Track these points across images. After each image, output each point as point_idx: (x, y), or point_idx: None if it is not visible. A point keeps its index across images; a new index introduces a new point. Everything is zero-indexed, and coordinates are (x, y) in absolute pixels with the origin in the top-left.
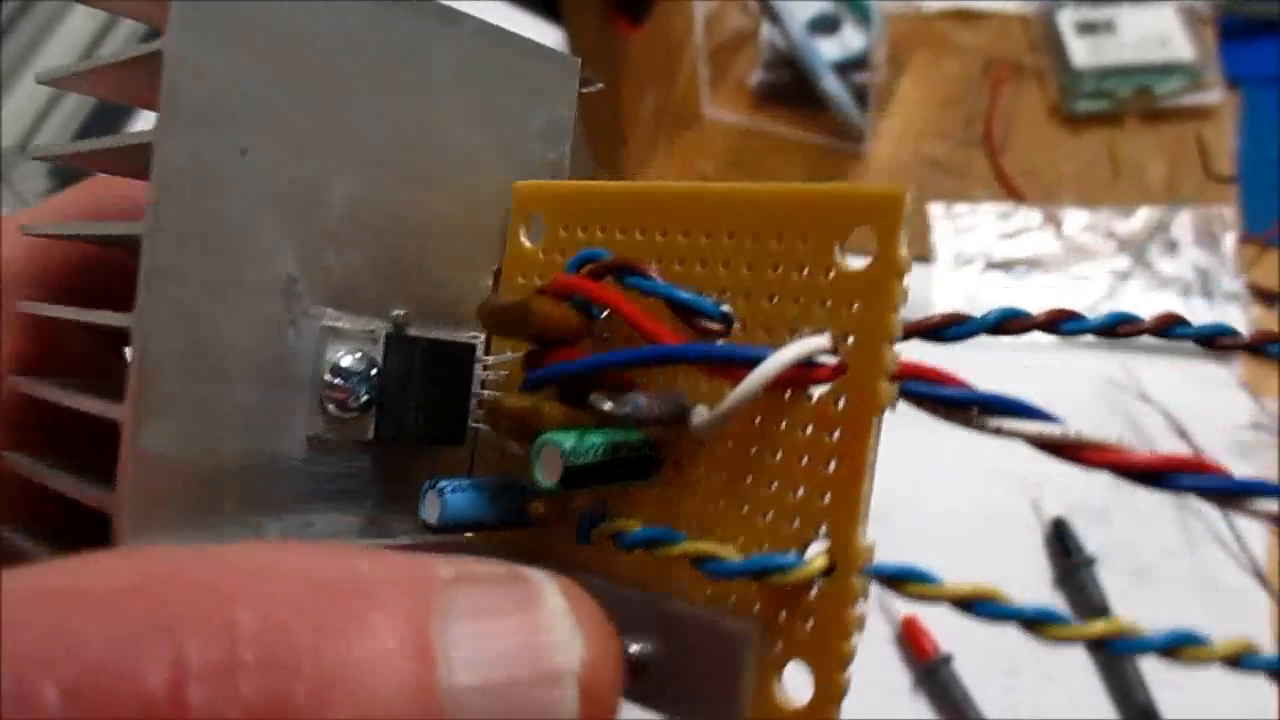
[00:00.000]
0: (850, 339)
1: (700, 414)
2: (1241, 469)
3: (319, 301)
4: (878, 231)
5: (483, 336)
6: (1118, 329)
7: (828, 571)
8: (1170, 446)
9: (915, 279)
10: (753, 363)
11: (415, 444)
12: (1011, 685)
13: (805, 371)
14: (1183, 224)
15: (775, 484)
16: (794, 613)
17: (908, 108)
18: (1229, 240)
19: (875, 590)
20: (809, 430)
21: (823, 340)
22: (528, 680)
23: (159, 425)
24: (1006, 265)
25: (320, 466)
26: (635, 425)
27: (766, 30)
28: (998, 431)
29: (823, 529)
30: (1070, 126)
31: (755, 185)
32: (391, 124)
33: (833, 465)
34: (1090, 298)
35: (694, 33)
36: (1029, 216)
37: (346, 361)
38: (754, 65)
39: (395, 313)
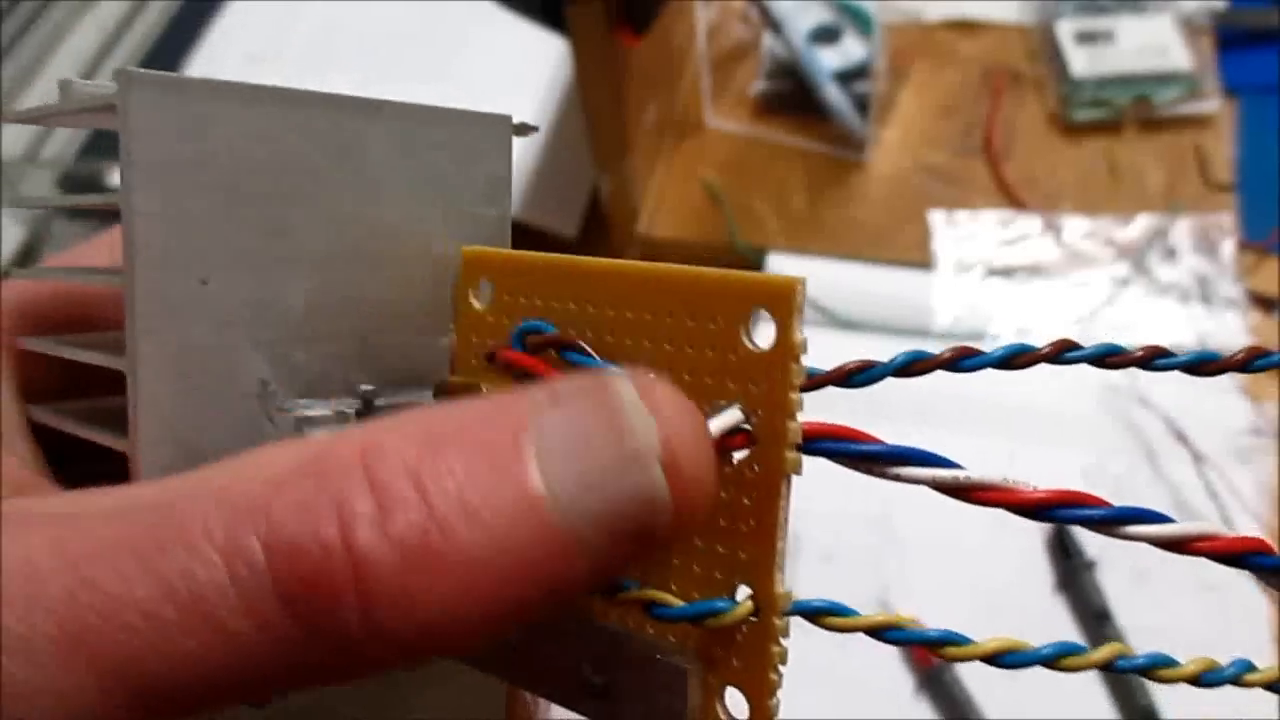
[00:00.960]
0: (758, 413)
1: None
2: (1241, 474)
3: (291, 395)
4: (775, 317)
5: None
6: (1013, 360)
7: (754, 614)
8: (1169, 451)
9: (917, 286)
10: None
11: None
12: (1013, 688)
13: (725, 440)
14: (1181, 231)
15: (701, 541)
16: (727, 649)
17: (908, 117)
18: (1228, 247)
19: (876, 593)
20: (730, 492)
21: (735, 415)
22: (616, 470)
23: None
24: (1007, 272)
25: None
26: None
27: (768, 40)
28: (897, 478)
29: (745, 580)
30: (1070, 135)
31: (670, 267)
32: (337, 220)
33: (751, 522)
34: (1090, 304)
35: (696, 43)
36: (1029, 224)
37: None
38: (756, 75)
39: (362, 388)
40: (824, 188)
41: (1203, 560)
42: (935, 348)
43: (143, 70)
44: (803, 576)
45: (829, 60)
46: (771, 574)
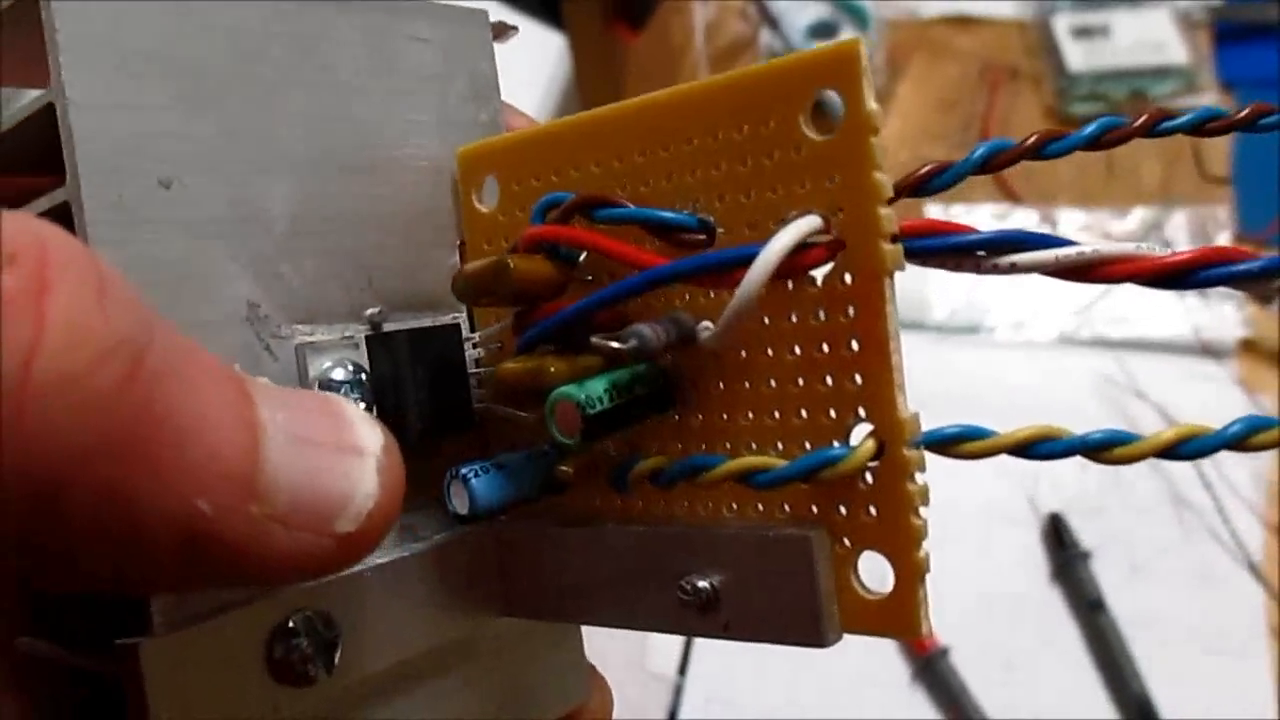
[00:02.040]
0: (840, 212)
1: (706, 329)
2: (1236, 466)
3: (288, 320)
4: (841, 91)
5: (465, 315)
6: (1103, 139)
7: (877, 454)
8: None
9: (911, 280)
10: (747, 261)
11: (424, 439)
12: (1009, 679)
13: (801, 257)
14: (1177, 224)
15: (801, 380)
16: (853, 505)
17: (906, 111)
18: (1223, 240)
19: (874, 584)
20: (821, 316)
21: (813, 220)
22: (335, 446)
23: None
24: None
25: None
26: (645, 358)
27: (766, 36)
28: (1013, 268)
29: (861, 411)
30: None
31: (704, 80)
32: (312, 121)
33: (855, 344)
34: (1085, 297)
35: (694, 38)
36: (1025, 218)
37: (336, 374)
38: None
39: (369, 312)
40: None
41: (1198, 550)
42: (931, 341)
43: None
44: None
45: None
46: (893, 396)
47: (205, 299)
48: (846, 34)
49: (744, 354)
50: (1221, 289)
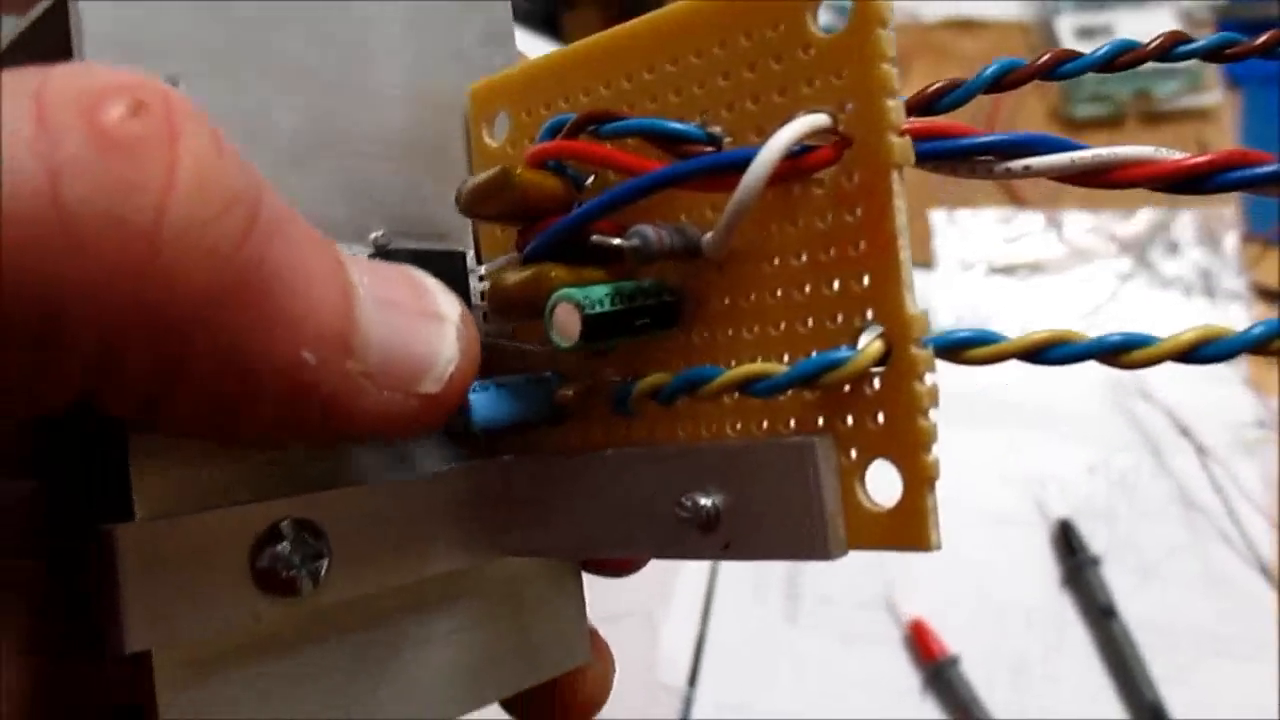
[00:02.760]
0: (848, 106)
1: (707, 236)
2: (1246, 468)
3: None
4: None
5: (472, 250)
6: (1117, 60)
7: (884, 358)
8: (1173, 445)
9: (919, 285)
10: (746, 162)
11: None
12: (1020, 685)
13: (806, 158)
14: (1184, 225)
15: (807, 286)
16: (860, 411)
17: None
18: (1231, 240)
19: (881, 590)
20: (828, 218)
21: (819, 117)
22: (419, 311)
23: None
24: (1009, 269)
25: None
26: (647, 259)
27: None
28: (1027, 171)
29: (869, 314)
30: (1071, 130)
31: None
32: (325, 39)
33: (862, 244)
34: (1093, 300)
35: None
36: (1031, 221)
37: None
38: None
39: (374, 235)
40: None
41: (1209, 554)
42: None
43: None
44: (807, 571)
45: None
46: (900, 293)
47: None
48: None
49: (749, 265)
50: (1228, 289)
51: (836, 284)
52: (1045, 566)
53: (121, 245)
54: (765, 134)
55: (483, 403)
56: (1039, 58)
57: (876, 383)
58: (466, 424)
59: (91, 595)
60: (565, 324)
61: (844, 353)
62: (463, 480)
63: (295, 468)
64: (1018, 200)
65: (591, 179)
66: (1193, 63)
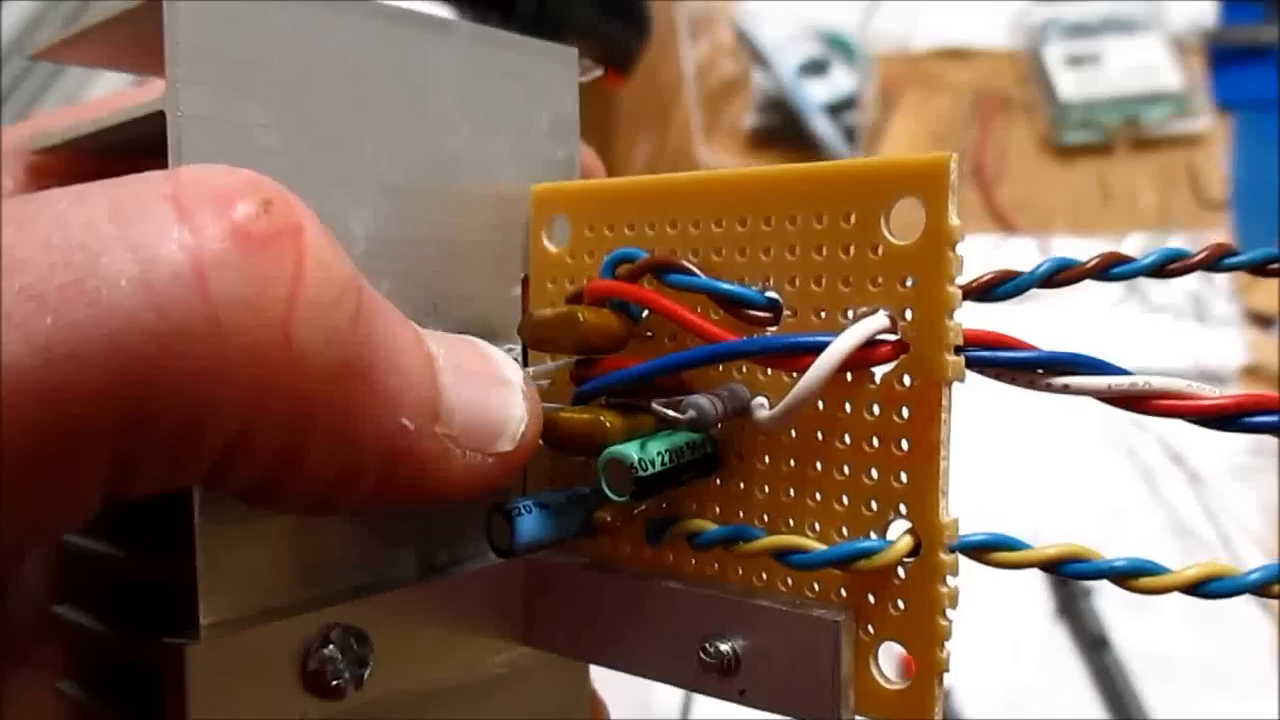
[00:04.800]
0: (909, 314)
1: (762, 406)
2: (1240, 496)
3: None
4: (925, 201)
5: (519, 348)
6: (1167, 268)
7: (913, 552)
8: (1166, 472)
9: None
10: (816, 350)
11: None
12: (1005, 710)
13: (866, 353)
14: None
15: (847, 469)
16: (882, 595)
17: (900, 145)
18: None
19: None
20: (876, 411)
21: (882, 320)
22: (489, 377)
23: None
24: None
25: None
26: (700, 429)
27: (757, 75)
28: (1065, 390)
29: (902, 509)
30: (1061, 158)
31: (790, 166)
32: (401, 145)
33: (905, 444)
34: (1084, 327)
35: (685, 80)
36: (1021, 247)
37: None
38: (747, 109)
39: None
40: None
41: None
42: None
43: None
44: None
45: (818, 93)
46: (936, 500)
47: None
48: (838, 71)
49: (794, 434)
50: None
51: (875, 473)
52: (1038, 597)
53: (259, 332)
54: (826, 318)
55: (526, 526)
56: (1090, 262)
57: (902, 572)
58: (510, 546)
59: (161, 701)
60: (618, 479)
61: (877, 543)
62: (495, 580)
63: (337, 563)
64: (1009, 227)
65: (646, 313)
66: (1182, 87)
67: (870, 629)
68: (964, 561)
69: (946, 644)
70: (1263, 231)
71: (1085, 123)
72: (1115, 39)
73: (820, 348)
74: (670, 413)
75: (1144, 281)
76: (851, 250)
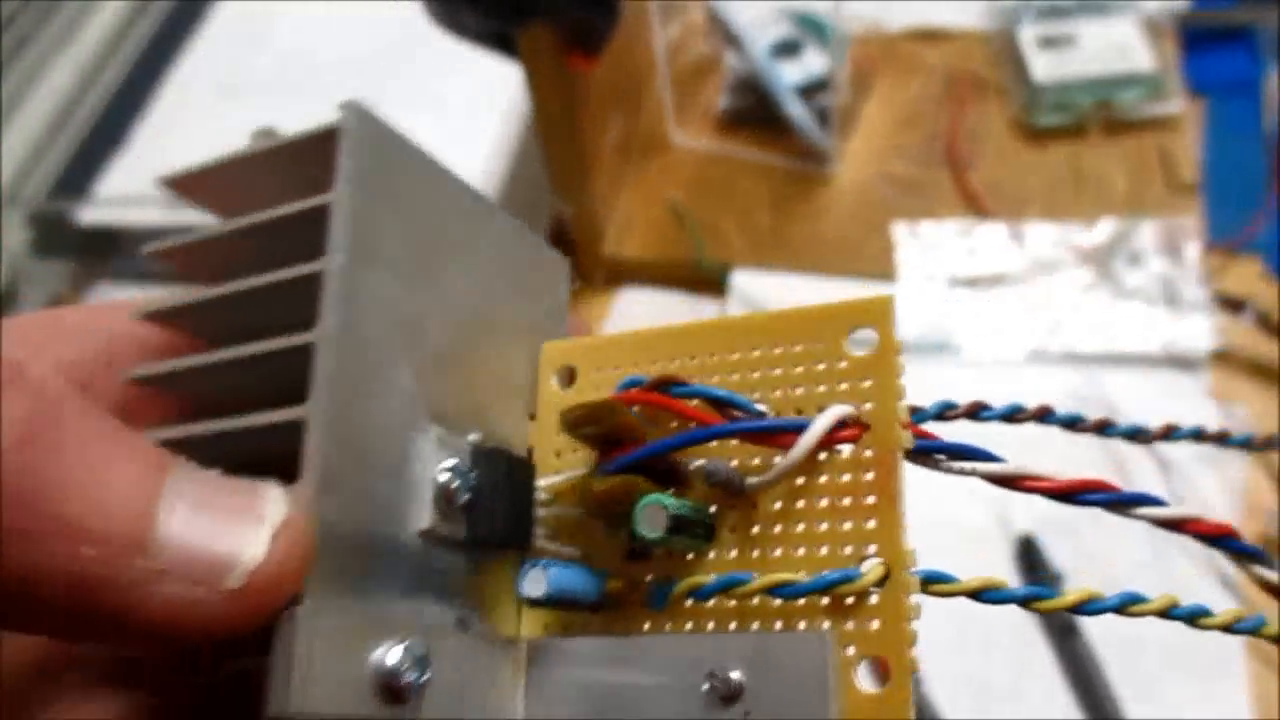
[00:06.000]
0: (869, 404)
1: (753, 479)
2: (1209, 481)
3: (426, 416)
4: (877, 328)
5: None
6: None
7: (883, 579)
8: (1136, 458)
9: (880, 293)
10: (798, 430)
11: (495, 543)
12: (982, 705)
13: (839, 433)
14: (1146, 234)
15: (824, 524)
16: (860, 619)
17: (872, 128)
18: (1192, 249)
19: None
20: (846, 477)
21: (850, 409)
22: (236, 512)
23: (328, 500)
24: (972, 282)
25: (428, 559)
26: (712, 482)
27: (730, 56)
28: (960, 471)
29: (872, 548)
30: (1034, 140)
31: (769, 314)
32: (462, 288)
33: (871, 498)
34: (1055, 312)
35: (657, 61)
36: (994, 232)
37: (450, 464)
38: (720, 90)
39: (472, 436)
40: (789, 202)
41: (1173, 569)
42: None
43: (358, 102)
44: None
45: (790, 75)
46: (900, 532)
47: (385, 374)
48: (811, 52)
49: (778, 504)
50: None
51: (849, 523)
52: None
53: None
54: (803, 414)
55: (559, 575)
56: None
57: (873, 599)
58: (545, 593)
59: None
60: (654, 519)
61: (854, 571)
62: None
63: None
64: (982, 211)
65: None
66: (1155, 70)
67: (851, 650)
68: (935, 546)
69: (914, 648)
70: (1234, 216)
71: (1059, 105)
72: (1089, 21)
73: (802, 428)
74: (691, 464)
75: (1115, 266)
76: (823, 363)
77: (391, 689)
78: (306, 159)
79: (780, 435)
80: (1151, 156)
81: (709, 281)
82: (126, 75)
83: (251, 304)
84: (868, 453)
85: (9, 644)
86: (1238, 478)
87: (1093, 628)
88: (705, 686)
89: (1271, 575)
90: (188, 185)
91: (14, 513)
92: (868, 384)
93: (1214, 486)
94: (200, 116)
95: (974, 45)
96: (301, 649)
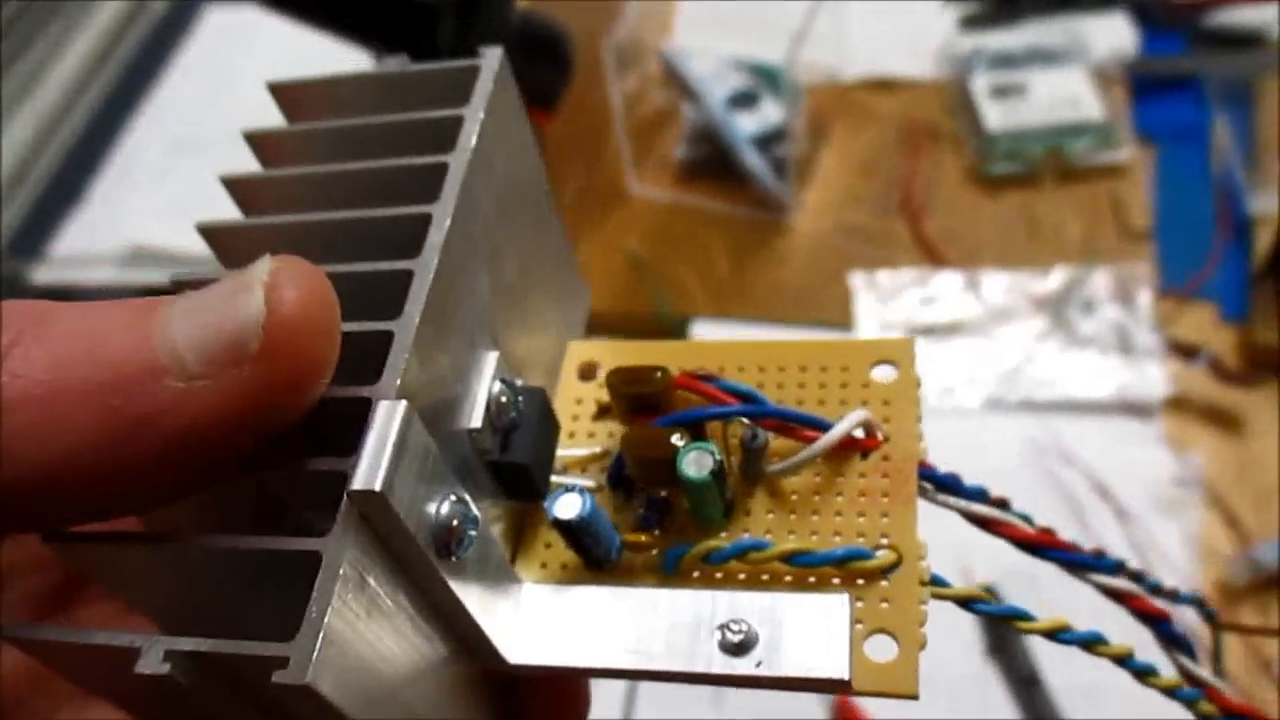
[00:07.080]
0: (887, 422)
1: (777, 463)
2: (1166, 526)
3: (490, 339)
4: (900, 363)
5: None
6: None
7: (894, 565)
8: (1093, 505)
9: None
10: (820, 427)
11: (517, 479)
12: None
13: (859, 441)
14: (1099, 282)
15: (839, 516)
16: (870, 597)
17: (829, 177)
18: (1145, 297)
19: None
20: (864, 478)
21: (869, 415)
22: (227, 295)
23: (424, 331)
24: (929, 330)
25: (468, 460)
26: (748, 448)
27: (686, 107)
28: (946, 504)
29: (884, 540)
30: (988, 189)
31: (796, 342)
32: (528, 251)
33: (886, 499)
34: (1011, 360)
35: (614, 112)
36: (950, 280)
37: (501, 388)
38: (676, 141)
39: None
40: (747, 252)
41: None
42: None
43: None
44: None
45: (747, 125)
46: (914, 528)
47: (458, 325)
48: (766, 103)
49: (793, 496)
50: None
51: (864, 517)
52: (971, 635)
53: None
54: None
55: (592, 504)
56: None
57: (884, 582)
58: (578, 516)
59: None
60: (701, 462)
61: (869, 551)
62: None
63: None
64: (938, 259)
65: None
66: (1105, 119)
67: (861, 625)
68: None
69: (924, 627)
70: (1185, 261)
71: (1011, 154)
72: (1040, 70)
73: (825, 426)
74: (745, 430)
75: (1069, 314)
76: (848, 386)
77: (443, 538)
78: (425, 89)
79: (807, 428)
80: (1103, 204)
81: (669, 332)
82: (82, 133)
83: (380, 182)
84: (886, 460)
85: (9, 653)
86: (1194, 525)
87: (1054, 679)
88: (718, 637)
89: (1195, 668)
90: (290, 94)
91: (20, 415)
92: (888, 405)
93: (1172, 535)
94: (155, 175)
95: (928, 95)
96: (397, 435)
